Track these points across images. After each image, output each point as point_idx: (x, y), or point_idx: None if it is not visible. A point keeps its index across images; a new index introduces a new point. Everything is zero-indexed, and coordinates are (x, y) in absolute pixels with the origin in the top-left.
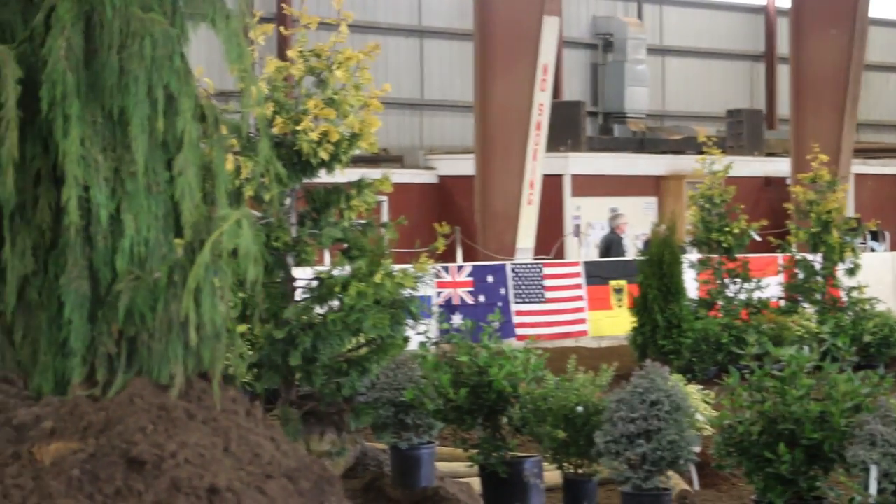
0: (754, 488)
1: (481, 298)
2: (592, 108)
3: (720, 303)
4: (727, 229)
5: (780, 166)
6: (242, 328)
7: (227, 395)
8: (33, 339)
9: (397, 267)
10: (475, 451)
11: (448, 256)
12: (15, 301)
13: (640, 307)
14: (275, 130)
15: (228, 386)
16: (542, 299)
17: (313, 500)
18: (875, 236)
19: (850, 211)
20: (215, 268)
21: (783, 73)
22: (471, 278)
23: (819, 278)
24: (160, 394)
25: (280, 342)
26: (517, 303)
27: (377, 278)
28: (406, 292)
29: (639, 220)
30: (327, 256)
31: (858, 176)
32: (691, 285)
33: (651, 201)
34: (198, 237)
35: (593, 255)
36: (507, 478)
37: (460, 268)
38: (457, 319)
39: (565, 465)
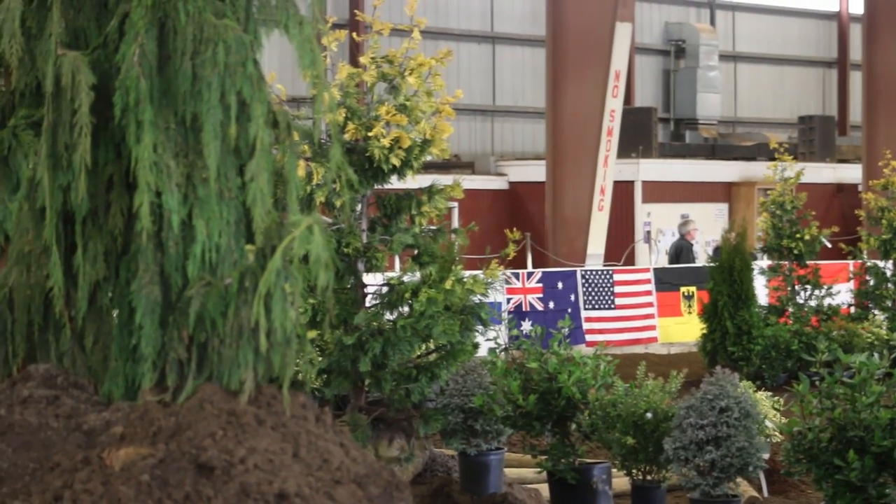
0: (823, 495)
1: (551, 304)
2: (664, 115)
3: (790, 309)
4: (798, 236)
5: (851, 173)
6: (312, 334)
7: (297, 400)
8: (104, 344)
9: (468, 273)
10: (544, 457)
11: (518, 262)
12: (86, 306)
13: (710, 314)
14: (346, 136)
15: (298, 392)
16: (612, 305)
17: None
18: None
19: None
20: (286, 274)
21: (855, 80)
22: (541, 284)
23: (890, 285)
24: (230, 399)
25: (350, 348)
26: (587, 309)
27: (447, 284)
28: (476, 298)
29: (710, 226)
30: (397, 262)
31: None
32: (761, 292)
33: (722, 208)
34: (269, 243)
35: (664, 262)
36: (575, 484)
37: (530, 274)
38: (526, 326)
39: (634, 471)
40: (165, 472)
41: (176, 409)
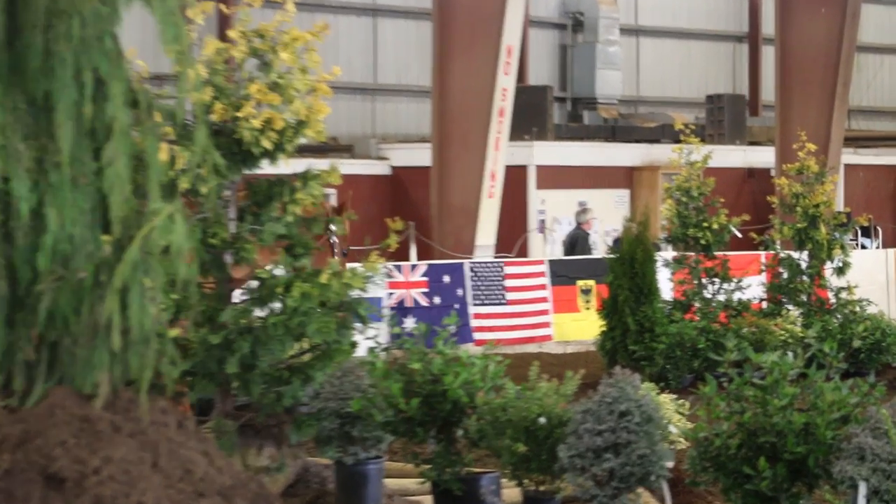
0: None
1: (436, 300)
2: (560, 94)
3: (697, 304)
4: (705, 225)
5: (763, 156)
6: (174, 332)
7: (157, 405)
8: None
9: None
10: (427, 466)
11: (401, 254)
12: None
13: (610, 309)
14: (213, 117)
15: (158, 396)
16: (503, 301)
17: None
18: (866, 232)
19: (839, 205)
20: (145, 266)
21: (768, 55)
22: (425, 278)
23: (805, 278)
24: (83, 404)
25: (216, 348)
26: (475, 304)
27: (323, 278)
28: (354, 293)
29: (610, 214)
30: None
31: (849, 167)
32: (666, 286)
33: (623, 194)
34: (127, 233)
35: (559, 253)
36: (462, 495)
37: (414, 267)
38: (409, 323)
39: (526, 481)
40: (11, 484)
41: (24, 416)
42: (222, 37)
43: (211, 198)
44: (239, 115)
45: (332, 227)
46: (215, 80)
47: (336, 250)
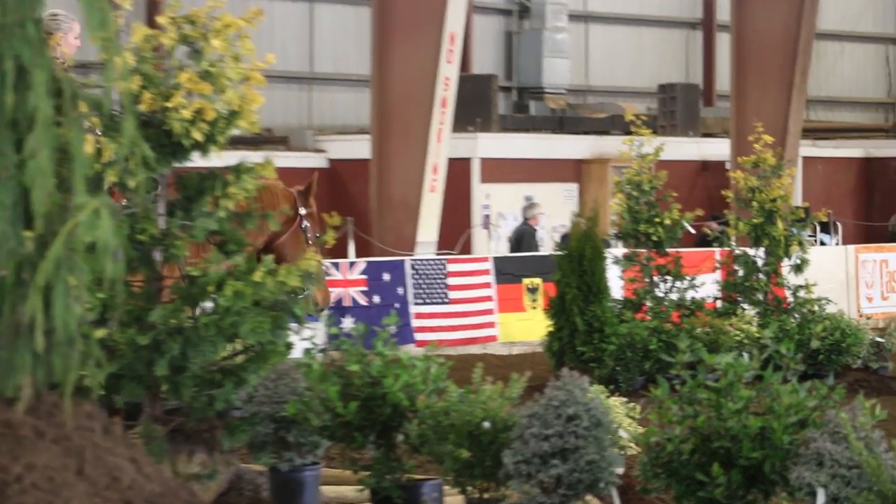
0: None
1: (376, 299)
2: (506, 83)
3: (648, 304)
4: (657, 220)
5: (718, 148)
6: (101, 333)
7: (82, 409)
8: None
9: None
10: (366, 473)
11: (338, 251)
12: None
13: (558, 309)
14: (141, 108)
15: (83, 400)
16: (446, 300)
17: None
18: (825, 228)
19: (797, 199)
20: (69, 264)
21: (723, 43)
22: (364, 276)
23: (761, 276)
24: (4, 409)
25: (144, 349)
26: (417, 304)
27: (257, 276)
28: (290, 292)
29: (557, 209)
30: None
31: (807, 159)
32: (616, 284)
33: (571, 188)
34: (50, 229)
35: (504, 250)
36: (402, 503)
37: (352, 264)
38: (348, 323)
39: (469, 488)
40: None
41: None
42: (151, 23)
43: (139, 192)
44: (168, 105)
45: (303, 211)
46: (143, 69)
47: (309, 235)
